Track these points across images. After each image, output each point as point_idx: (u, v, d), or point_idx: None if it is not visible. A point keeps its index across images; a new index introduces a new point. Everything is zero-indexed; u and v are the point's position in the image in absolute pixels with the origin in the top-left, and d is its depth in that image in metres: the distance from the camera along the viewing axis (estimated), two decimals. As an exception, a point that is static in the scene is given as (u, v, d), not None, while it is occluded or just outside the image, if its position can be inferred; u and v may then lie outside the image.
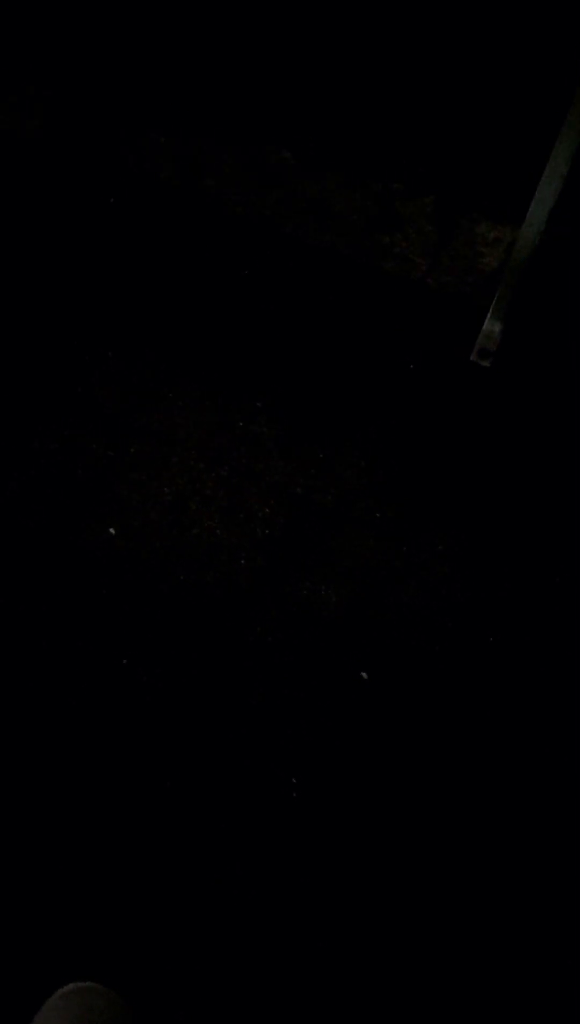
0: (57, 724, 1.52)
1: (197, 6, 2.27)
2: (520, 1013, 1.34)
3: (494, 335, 1.86)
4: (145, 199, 2.21)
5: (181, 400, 1.92)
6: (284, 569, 1.70)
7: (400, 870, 1.43)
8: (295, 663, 1.60)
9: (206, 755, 1.51)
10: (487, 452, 1.85)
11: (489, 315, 1.86)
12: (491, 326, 1.86)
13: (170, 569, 1.69)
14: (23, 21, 2.39)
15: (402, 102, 2.22)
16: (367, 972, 1.35)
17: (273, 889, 1.40)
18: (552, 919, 1.40)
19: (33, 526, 1.73)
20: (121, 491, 1.78)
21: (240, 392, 1.93)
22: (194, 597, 1.66)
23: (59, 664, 1.58)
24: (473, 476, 1.82)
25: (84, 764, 1.49)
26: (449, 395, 1.91)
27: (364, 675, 1.59)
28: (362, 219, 2.11)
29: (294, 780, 1.48)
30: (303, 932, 1.37)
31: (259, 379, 1.95)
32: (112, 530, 1.73)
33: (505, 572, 1.71)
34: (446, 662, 1.61)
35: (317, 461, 1.84)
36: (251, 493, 1.79)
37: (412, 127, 2.21)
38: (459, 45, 2.15)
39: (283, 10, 2.21)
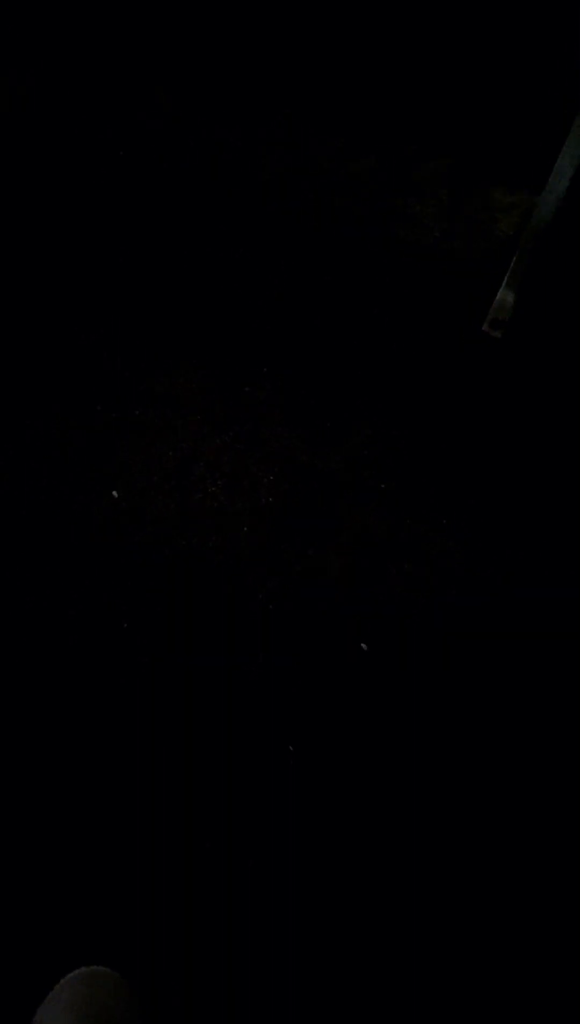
0: (56, 689, 1.52)
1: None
2: (521, 983, 1.35)
3: (507, 305, 1.82)
4: (155, 156, 2.17)
5: (186, 363, 1.89)
6: (287, 537, 1.69)
7: (396, 836, 1.44)
8: (295, 632, 1.60)
9: (204, 723, 1.51)
10: (496, 426, 1.83)
11: (503, 284, 1.82)
12: (504, 296, 1.82)
13: (172, 534, 1.68)
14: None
15: (419, 63, 2.17)
16: (364, 940, 1.36)
17: (271, 853, 1.41)
18: (550, 888, 1.41)
19: (35, 487, 1.72)
20: (125, 454, 1.77)
21: (247, 358, 1.90)
22: (196, 563, 1.65)
23: (59, 628, 1.58)
24: (480, 450, 1.80)
25: (82, 731, 1.49)
26: (459, 366, 1.88)
27: (364, 646, 1.59)
28: (375, 182, 2.07)
29: (291, 748, 1.48)
30: (300, 911, 1.38)
31: (266, 344, 1.92)
32: (115, 493, 1.72)
33: (509, 547, 1.70)
34: (447, 636, 1.61)
35: (323, 430, 1.82)
36: (255, 460, 1.78)
37: (428, 89, 2.17)
38: (479, 9, 2.09)
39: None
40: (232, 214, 2.11)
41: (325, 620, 1.61)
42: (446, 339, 1.90)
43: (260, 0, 2.25)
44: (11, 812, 1.42)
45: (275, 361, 1.90)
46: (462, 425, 1.82)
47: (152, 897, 1.36)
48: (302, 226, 2.09)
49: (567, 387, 1.87)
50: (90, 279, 2.00)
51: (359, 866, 1.41)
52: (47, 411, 1.81)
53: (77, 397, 1.84)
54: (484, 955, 1.37)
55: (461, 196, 2.01)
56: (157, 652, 1.56)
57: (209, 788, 1.45)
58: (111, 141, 2.22)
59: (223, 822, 1.42)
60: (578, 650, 1.60)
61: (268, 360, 1.90)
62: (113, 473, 1.75)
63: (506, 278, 1.81)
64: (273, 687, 1.54)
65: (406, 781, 1.48)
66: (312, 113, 2.21)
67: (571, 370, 1.87)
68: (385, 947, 1.36)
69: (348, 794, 1.46)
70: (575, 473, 1.77)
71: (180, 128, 2.24)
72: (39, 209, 2.12)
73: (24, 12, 2.34)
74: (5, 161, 2.18)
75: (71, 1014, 0.69)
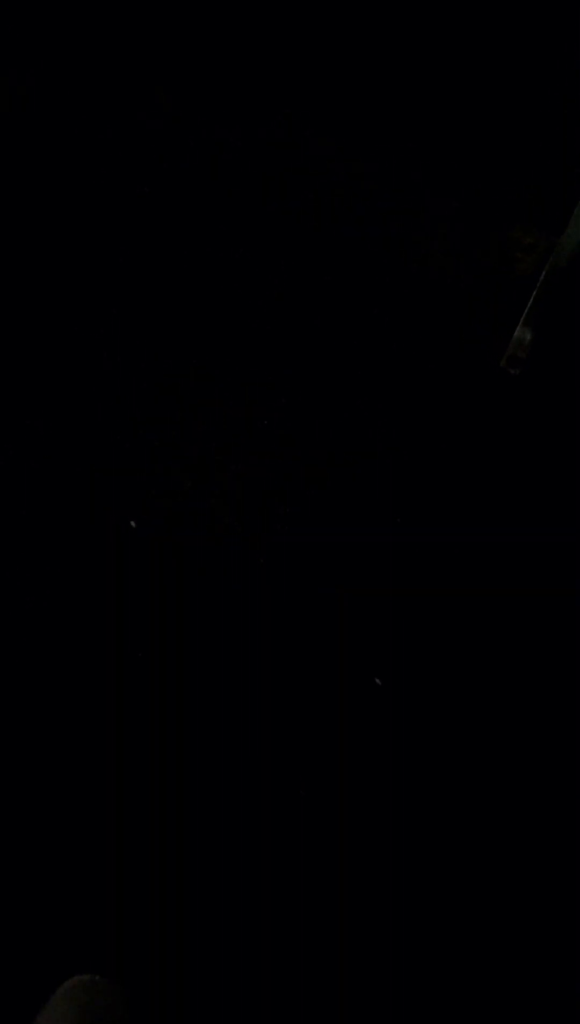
0: (57, 690, 1.53)
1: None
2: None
3: (525, 343, 1.83)
4: (155, 156, 2.17)
5: (187, 364, 1.90)
6: (275, 521, 1.69)
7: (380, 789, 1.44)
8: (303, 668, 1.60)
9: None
10: (511, 463, 1.82)
11: (521, 322, 1.83)
12: (522, 333, 1.83)
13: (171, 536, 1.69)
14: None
15: (439, 97, 2.17)
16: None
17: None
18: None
19: (35, 488, 1.72)
20: (127, 456, 1.77)
21: (247, 358, 1.91)
22: (189, 568, 1.66)
23: (58, 628, 1.58)
24: (494, 485, 1.79)
25: (66, 700, 1.49)
26: (475, 402, 1.87)
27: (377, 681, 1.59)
28: (390, 209, 2.07)
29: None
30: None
31: (266, 344, 1.92)
32: (133, 522, 1.72)
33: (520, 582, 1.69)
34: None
35: (326, 440, 1.82)
36: (256, 462, 1.78)
37: (446, 124, 2.17)
38: (499, 49, 2.10)
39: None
40: (232, 214, 2.11)
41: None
42: (463, 375, 1.90)
43: (261, 1, 2.25)
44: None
45: (275, 361, 1.90)
46: (477, 461, 1.81)
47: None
48: (302, 226, 2.09)
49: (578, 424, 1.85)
50: (90, 279, 2.00)
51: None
52: (47, 411, 1.81)
53: (77, 397, 1.84)
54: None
55: (481, 232, 2.01)
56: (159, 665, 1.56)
57: (204, 769, 1.45)
58: (111, 141, 2.22)
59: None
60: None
61: (268, 360, 1.90)
62: (115, 474, 1.75)
63: (524, 316, 1.82)
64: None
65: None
66: (312, 113, 2.21)
67: None
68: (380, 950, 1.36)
69: (329, 737, 1.46)
70: None
71: (180, 128, 2.24)
72: (39, 209, 2.12)
73: (24, 12, 2.34)
74: (5, 161, 2.18)
75: (68, 1023, 0.69)
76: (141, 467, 1.77)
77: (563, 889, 1.41)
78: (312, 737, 1.50)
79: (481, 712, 1.55)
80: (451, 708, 1.55)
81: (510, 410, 1.85)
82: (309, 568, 1.67)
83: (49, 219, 2.10)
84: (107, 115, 2.25)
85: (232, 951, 1.33)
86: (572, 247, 1.74)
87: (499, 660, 1.60)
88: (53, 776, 1.45)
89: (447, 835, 1.44)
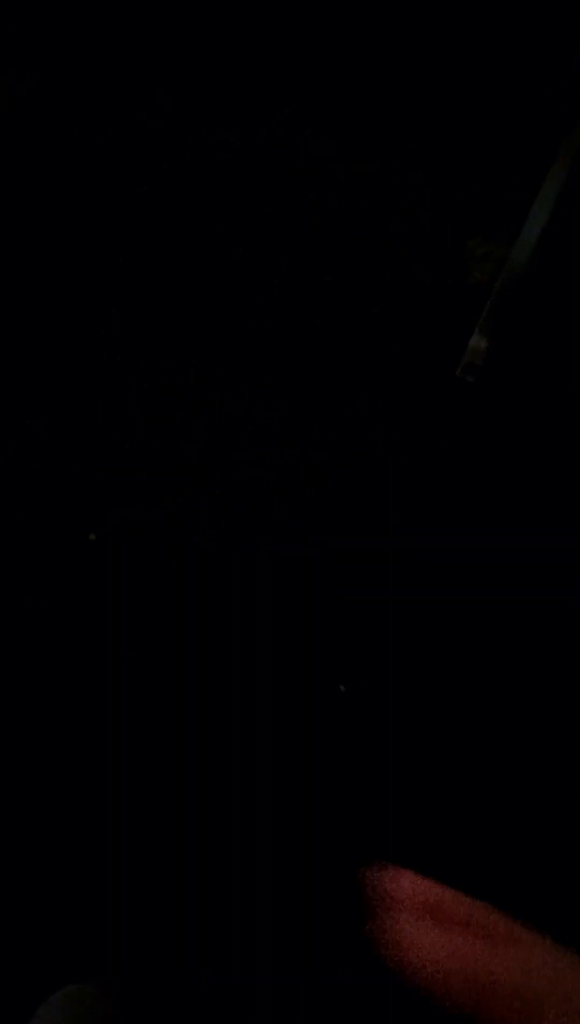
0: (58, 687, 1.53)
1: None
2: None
3: (480, 351, 1.85)
4: (155, 156, 2.17)
5: (187, 364, 1.90)
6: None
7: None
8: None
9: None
10: (466, 470, 1.82)
11: (476, 331, 1.85)
12: (478, 342, 1.85)
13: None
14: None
15: (407, 109, 2.19)
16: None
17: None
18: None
19: (34, 488, 1.72)
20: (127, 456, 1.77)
21: (247, 357, 1.91)
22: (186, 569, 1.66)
23: (59, 629, 1.58)
24: (449, 492, 1.79)
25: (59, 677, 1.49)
26: (431, 409, 1.88)
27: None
28: (357, 214, 2.09)
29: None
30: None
31: (266, 344, 1.92)
32: (92, 535, 1.72)
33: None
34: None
35: (325, 440, 1.82)
36: (254, 463, 1.78)
37: (412, 135, 2.19)
38: (457, 69, 2.12)
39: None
40: (232, 214, 2.11)
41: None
42: (420, 382, 1.92)
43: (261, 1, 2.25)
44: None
45: (275, 361, 1.90)
46: (433, 468, 1.81)
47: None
48: (302, 226, 2.09)
49: (537, 435, 1.87)
50: (90, 279, 2.00)
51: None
52: (47, 411, 1.81)
53: (77, 397, 1.84)
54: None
55: (439, 242, 2.04)
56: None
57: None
58: (111, 141, 2.22)
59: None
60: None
61: (267, 359, 1.90)
62: (115, 474, 1.75)
63: (479, 325, 1.84)
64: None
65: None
66: (312, 113, 2.21)
67: (541, 419, 1.88)
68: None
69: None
70: (541, 519, 1.75)
71: (180, 128, 2.24)
72: (39, 209, 2.12)
73: (24, 12, 2.34)
74: (5, 161, 2.18)
75: None
76: (141, 467, 1.77)
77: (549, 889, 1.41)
78: (305, 737, 1.51)
79: (470, 717, 1.55)
80: (438, 706, 1.55)
81: (467, 417, 1.86)
82: (309, 569, 1.67)
83: (49, 219, 2.10)
84: (107, 115, 2.25)
85: (225, 953, 1.33)
86: (524, 257, 1.76)
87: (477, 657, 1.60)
88: (51, 775, 1.45)
89: (446, 825, 1.44)
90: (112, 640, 1.58)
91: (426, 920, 0.30)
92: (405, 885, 0.31)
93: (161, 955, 1.32)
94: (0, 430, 1.80)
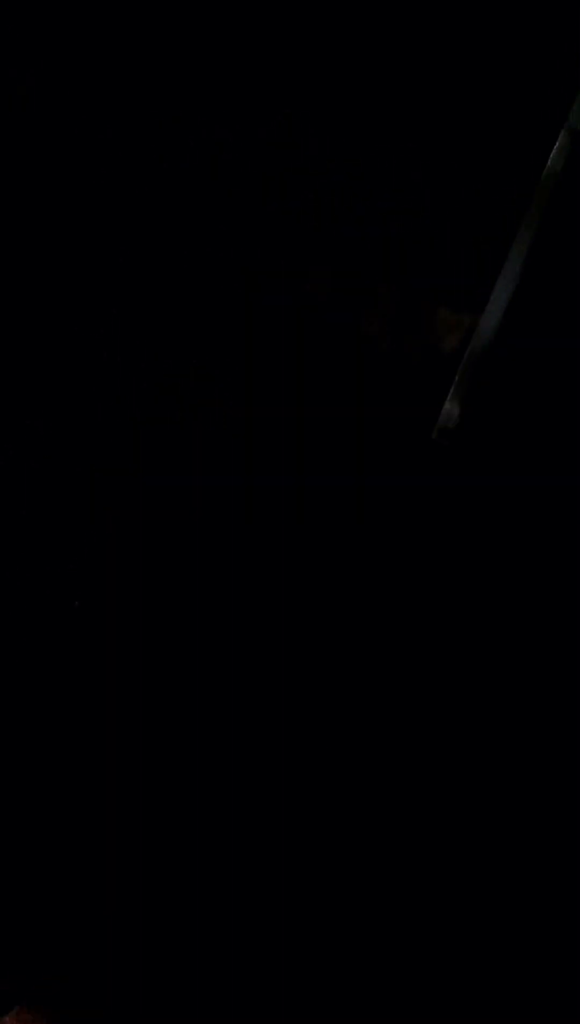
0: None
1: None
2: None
3: (453, 416, 1.95)
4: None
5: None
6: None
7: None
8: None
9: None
10: (440, 530, 1.84)
11: (449, 396, 1.94)
12: (451, 408, 1.95)
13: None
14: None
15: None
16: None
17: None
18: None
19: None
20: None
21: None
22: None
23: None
24: (424, 551, 1.80)
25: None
26: (408, 471, 1.91)
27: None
28: (333, 291, 2.11)
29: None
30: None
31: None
32: (74, 599, 1.72)
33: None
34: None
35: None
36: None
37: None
38: (421, 152, 2.15)
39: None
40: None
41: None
42: (398, 445, 1.95)
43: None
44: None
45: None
46: (409, 528, 1.83)
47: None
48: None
49: (508, 498, 1.90)
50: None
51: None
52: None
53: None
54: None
55: (412, 313, 2.09)
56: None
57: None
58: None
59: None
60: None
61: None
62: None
63: (451, 392, 1.93)
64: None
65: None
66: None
67: (513, 482, 1.92)
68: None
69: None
70: (511, 583, 1.78)
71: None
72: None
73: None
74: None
75: None
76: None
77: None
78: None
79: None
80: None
81: (442, 479, 1.90)
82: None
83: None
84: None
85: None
86: (492, 326, 1.86)
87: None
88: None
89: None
90: (114, 637, 1.58)
91: None
92: None
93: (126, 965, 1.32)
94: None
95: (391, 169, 2.17)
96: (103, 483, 1.75)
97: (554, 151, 1.84)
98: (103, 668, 1.55)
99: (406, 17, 2.18)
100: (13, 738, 1.49)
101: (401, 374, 2.02)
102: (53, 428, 1.81)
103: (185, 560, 1.67)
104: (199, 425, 1.83)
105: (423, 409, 1.96)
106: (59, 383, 1.86)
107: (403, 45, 2.22)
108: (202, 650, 1.58)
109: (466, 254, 2.08)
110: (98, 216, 2.12)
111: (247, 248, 2.08)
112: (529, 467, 1.90)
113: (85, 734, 1.50)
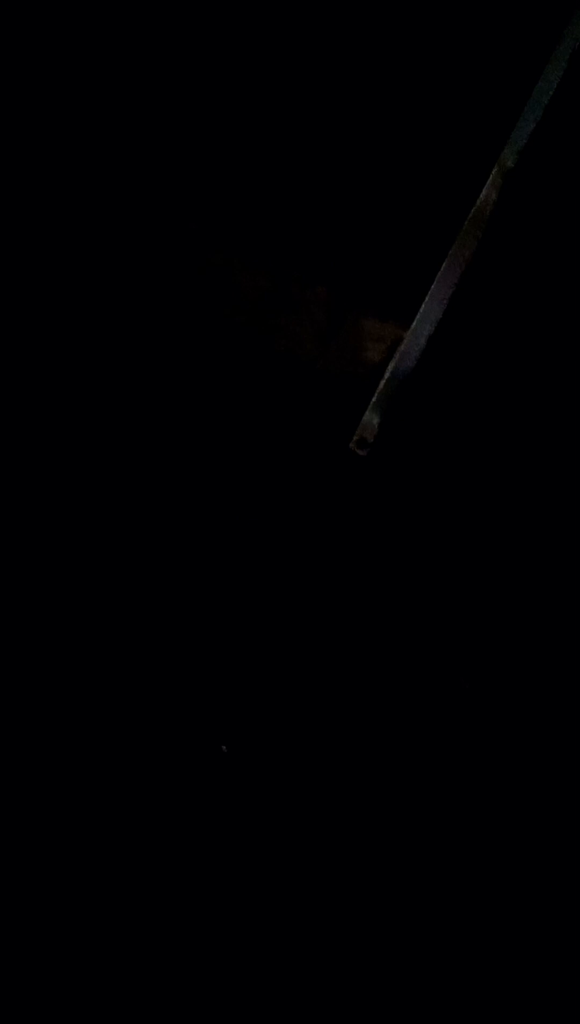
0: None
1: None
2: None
3: (372, 427, 1.97)
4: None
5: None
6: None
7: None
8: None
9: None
10: (353, 541, 1.94)
11: (369, 407, 1.98)
12: (370, 418, 1.97)
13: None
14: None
15: (306, 202, 2.22)
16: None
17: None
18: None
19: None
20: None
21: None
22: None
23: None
24: (336, 561, 1.91)
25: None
26: (323, 480, 2.00)
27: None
28: (260, 299, 2.14)
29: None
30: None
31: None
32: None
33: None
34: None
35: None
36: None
37: (313, 224, 2.22)
38: (354, 170, 2.17)
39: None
40: (160, 215, 2.09)
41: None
42: (314, 453, 2.02)
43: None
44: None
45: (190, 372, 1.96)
46: (321, 537, 1.94)
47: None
48: (230, 231, 2.11)
49: (422, 509, 1.97)
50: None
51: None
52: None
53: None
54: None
55: (337, 321, 2.09)
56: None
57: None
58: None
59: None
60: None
61: (181, 372, 1.97)
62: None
63: (372, 402, 1.96)
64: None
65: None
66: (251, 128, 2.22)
67: (427, 494, 1.99)
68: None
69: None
70: (420, 590, 1.92)
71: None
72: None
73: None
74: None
75: None
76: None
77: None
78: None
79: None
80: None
81: (356, 490, 1.98)
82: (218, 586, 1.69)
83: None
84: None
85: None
86: (418, 340, 1.90)
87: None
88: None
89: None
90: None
91: None
92: None
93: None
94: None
95: (324, 176, 2.18)
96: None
97: (487, 183, 1.90)
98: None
99: (354, 50, 2.19)
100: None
101: (323, 381, 2.08)
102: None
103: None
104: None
105: (343, 418, 2.01)
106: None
107: (343, 69, 2.22)
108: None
109: (397, 266, 2.13)
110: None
111: (172, 252, 2.08)
112: (445, 480, 1.99)
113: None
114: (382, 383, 1.98)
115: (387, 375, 1.98)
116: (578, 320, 1.96)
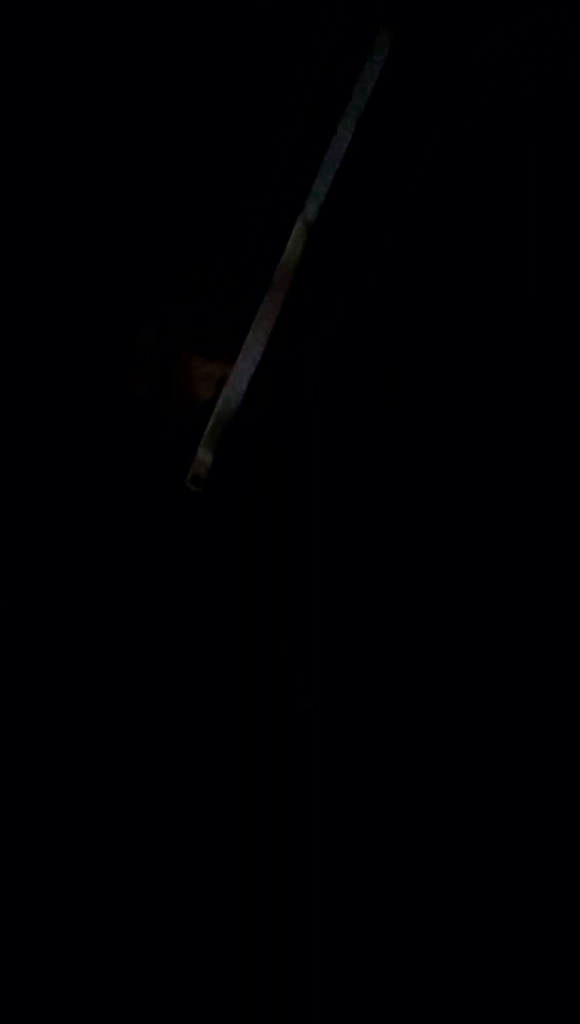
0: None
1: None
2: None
3: (206, 463, 2.00)
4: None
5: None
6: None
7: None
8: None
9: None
10: (188, 572, 1.95)
11: (201, 444, 2.00)
12: (203, 455, 2.01)
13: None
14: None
15: (130, 247, 2.22)
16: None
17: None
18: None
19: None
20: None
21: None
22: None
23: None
24: (172, 590, 1.92)
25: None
26: (159, 516, 2.01)
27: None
28: (93, 334, 2.15)
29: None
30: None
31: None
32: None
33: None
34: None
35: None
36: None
37: (139, 268, 2.21)
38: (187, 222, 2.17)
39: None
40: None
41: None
42: (150, 491, 2.03)
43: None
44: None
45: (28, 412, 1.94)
46: (158, 570, 1.95)
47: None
48: (65, 271, 2.09)
49: (252, 541, 1.99)
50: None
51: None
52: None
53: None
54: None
55: (168, 361, 2.12)
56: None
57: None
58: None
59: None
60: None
61: (19, 410, 1.92)
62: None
63: (203, 440, 1.99)
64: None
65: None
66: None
67: (257, 527, 2.00)
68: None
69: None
70: (251, 614, 1.92)
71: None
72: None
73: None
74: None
75: None
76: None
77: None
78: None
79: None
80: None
81: (190, 525, 2.00)
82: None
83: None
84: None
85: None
86: (243, 377, 1.93)
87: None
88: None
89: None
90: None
91: None
92: None
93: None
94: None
95: (154, 220, 2.17)
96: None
97: (293, 234, 1.96)
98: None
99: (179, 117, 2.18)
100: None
101: (157, 420, 2.09)
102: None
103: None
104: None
105: (178, 455, 2.04)
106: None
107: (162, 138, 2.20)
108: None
109: (221, 305, 2.15)
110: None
111: (12, 289, 2.09)
112: (277, 514, 2.00)
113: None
114: (211, 420, 2.00)
115: (215, 412, 1.99)
116: (379, 347, 1.98)
